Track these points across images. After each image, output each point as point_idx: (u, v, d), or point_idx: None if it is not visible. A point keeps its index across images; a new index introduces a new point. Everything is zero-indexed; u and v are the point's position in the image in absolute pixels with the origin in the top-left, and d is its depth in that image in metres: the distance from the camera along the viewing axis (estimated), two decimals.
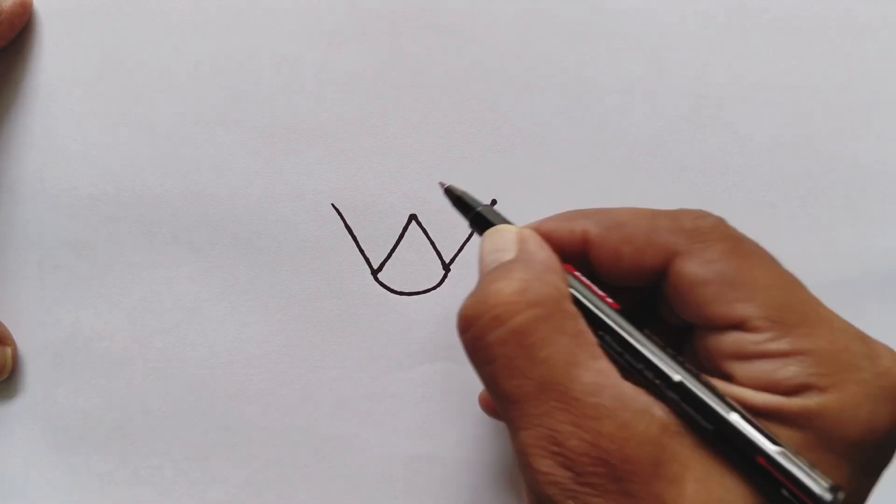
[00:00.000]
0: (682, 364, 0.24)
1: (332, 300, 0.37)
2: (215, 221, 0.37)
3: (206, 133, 0.37)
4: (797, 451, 0.23)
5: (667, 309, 0.27)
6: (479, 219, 0.30)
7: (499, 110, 0.36)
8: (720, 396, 0.23)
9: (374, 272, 0.37)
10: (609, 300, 0.26)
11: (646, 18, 0.36)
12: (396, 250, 0.37)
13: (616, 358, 0.25)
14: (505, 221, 0.29)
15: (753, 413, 0.23)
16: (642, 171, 0.36)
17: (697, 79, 0.36)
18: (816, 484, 0.22)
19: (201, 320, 0.37)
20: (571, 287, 0.26)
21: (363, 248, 0.37)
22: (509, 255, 0.27)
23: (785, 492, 0.22)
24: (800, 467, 0.22)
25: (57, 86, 0.37)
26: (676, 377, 0.24)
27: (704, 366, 0.26)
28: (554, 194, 0.36)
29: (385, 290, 0.37)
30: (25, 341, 0.38)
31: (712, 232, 0.26)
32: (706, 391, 0.23)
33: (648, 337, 0.25)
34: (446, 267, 0.37)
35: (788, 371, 0.23)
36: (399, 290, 0.37)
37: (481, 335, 0.24)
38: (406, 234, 0.37)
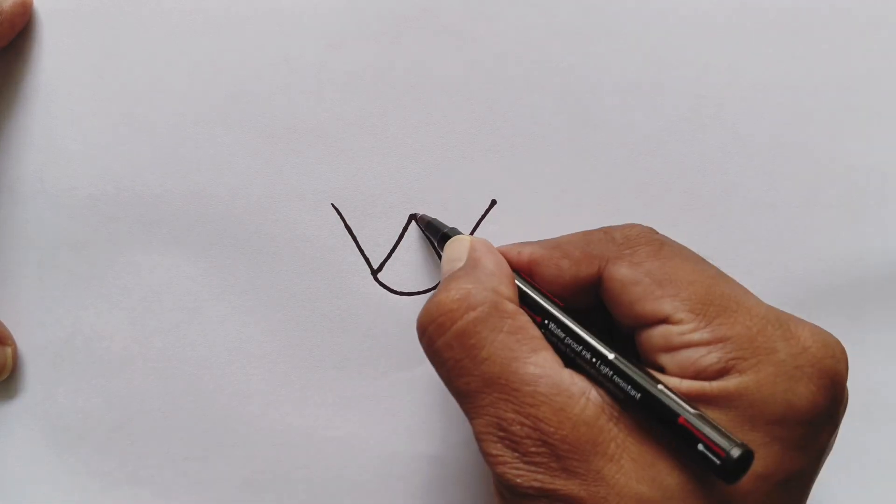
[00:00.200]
0: (619, 348, 0.27)
1: (332, 300, 0.37)
2: (215, 221, 0.37)
3: (206, 133, 0.37)
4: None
5: (615, 322, 0.29)
6: (444, 238, 0.33)
7: (499, 110, 0.36)
8: (648, 373, 0.26)
9: (374, 272, 0.37)
10: (554, 298, 0.29)
11: (646, 18, 0.36)
12: (396, 250, 0.37)
13: (559, 345, 0.27)
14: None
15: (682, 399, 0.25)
16: (642, 171, 0.36)
17: (697, 79, 0.36)
18: (726, 439, 0.24)
19: (201, 320, 0.37)
20: (519, 284, 0.29)
21: (363, 248, 0.37)
22: (460, 264, 0.30)
23: (700, 446, 0.24)
24: (713, 426, 0.24)
25: (57, 86, 0.37)
26: (611, 355, 0.26)
27: (643, 362, 0.28)
28: (554, 194, 0.36)
29: (385, 290, 0.37)
30: (25, 341, 0.38)
31: (639, 238, 0.28)
32: (636, 367, 0.26)
33: (588, 327, 0.28)
34: None
35: (711, 358, 0.25)
36: (399, 290, 0.37)
37: (431, 342, 0.28)
38: (406, 234, 0.37)
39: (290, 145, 0.37)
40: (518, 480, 0.25)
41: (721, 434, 0.24)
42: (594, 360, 0.27)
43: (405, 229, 0.37)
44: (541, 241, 0.31)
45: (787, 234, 0.37)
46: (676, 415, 0.24)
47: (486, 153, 0.37)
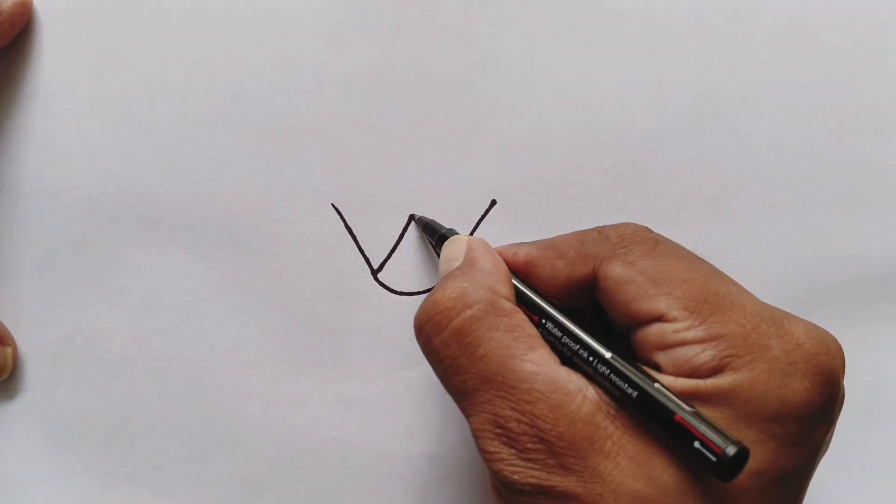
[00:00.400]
0: (615, 347, 0.27)
1: (332, 300, 0.37)
2: (215, 221, 0.37)
3: (206, 133, 0.37)
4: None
5: (611, 321, 0.29)
6: (442, 239, 0.33)
7: (499, 110, 0.36)
8: (644, 372, 0.26)
9: (374, 272, 0.37)
10: (551, 298, 0.29)
11: (646, 18, 0.36)
12: (396, 250, 0.37)
13: (555, 344, 0.28)
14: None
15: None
16: (642, 171, 0.36)
17: (697, 79, 0.36)
18: (722, 437, 0.24)
19: (201, 320, 0.37)
20: (516, 283, 0.29)
21: (363, 248, 0.37)
22: (457, 263, 0.30)
23: (697, 444, 0.24)
24: (709, 424, 0.24)
25: (57, 86, 0.37)
26: (608, 354, 0.26)
27: (638, 360, 0.28)
28: (554, 194, 0.36)
29: (385, 290, 0.37)
30: (25, 341, 0.38)
31: (633, 237, 0.28)
32: (633, 365, 0.26)
33: (584, 327, 0.28)
34: None
35: (705, 355, 0.25)
36: (399, 290, 0.37)
37: (428, 340, 0.28)
38: (406, 234, 0.37)
39: (290, 145, 0.37)
40: (515, 477, 0.25)
41: (717, 432, 0.24)
42: (591, 358, 0.27)
43: (405, 229, 0.37)
44: (536, 241, 0.31)
45: (787, 234, 0.37)
46: (673, 413, 0.24)
47: (486, 153, 0.37)
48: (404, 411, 0.37)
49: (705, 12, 0.36)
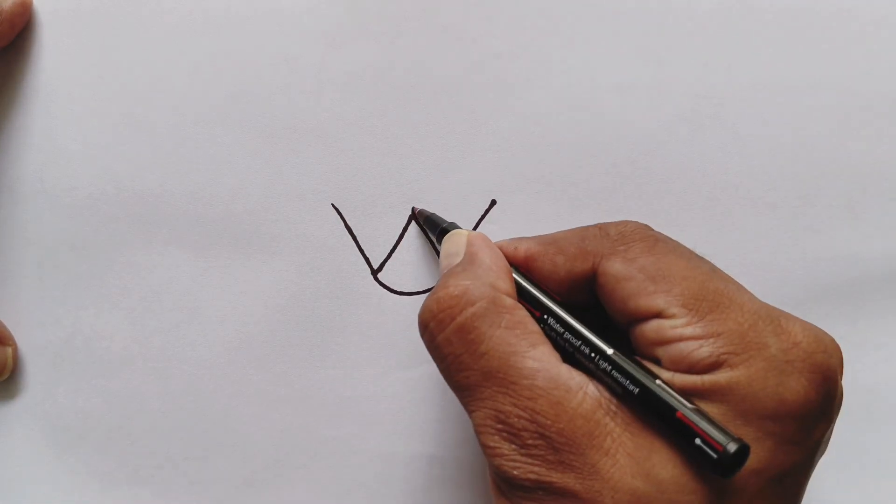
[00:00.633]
0: (616, 344, 0.27)
1: (332, 300, 0.37)
2: (215, 221, 0.37)
3: (206, 133, 0.37)
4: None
5: (611, 319, 0.29)
6: (443, 233, 0.33)
7: (499, 110, 0.36)
8: (646, 368, 0.26)
9: (374, 272, 0.37)
10: (552, 294, 0.29)
11: (646, 18, 0.36)
12: (396, 250, 0.37)
13: (557, 339, 0.28)
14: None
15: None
16: (642, 171, 0.36)
17: (697, 79, 0.36)
18: (723, 434, 0.24)
19: (201, 320, 0.37)
20: (517, 278, 0.29)
21: (363, 248, 0.37)
22: (458, 259, 0.30)
23: (698, 440, 0.24)
24: (710, 421, 0.24)
25: (57, 86, 0.37)
26: (609, 350, 0.27)
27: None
28: (554, 194, 0.36)
29: (385, 290, 0.37)
30: (25, 341, 0.38)
31: (633, 234, 0.29)
32: (634, 362, 0.26)
33: (586, 323, 0.28)
34: None
35: (703, 352, 0.25)
36: (399, 290, 0.37)
37: (432, 338, 0.28)
38: (406, 234, 0.37)
39: (290, 145, 0.37)
40: (515, 472, 0.26)
41: (718, 429, 0.24)
42: (593, 354, 0.27)
43: (405, 229, 0.37)
44: (537, 236, 0.31)
45: (787, 234, 0.36)
46: (674, 409, 0.25)
47: (486, 153, 0.37)
48: (404, 411, 0.37)
49: (705, 12, 0.36)
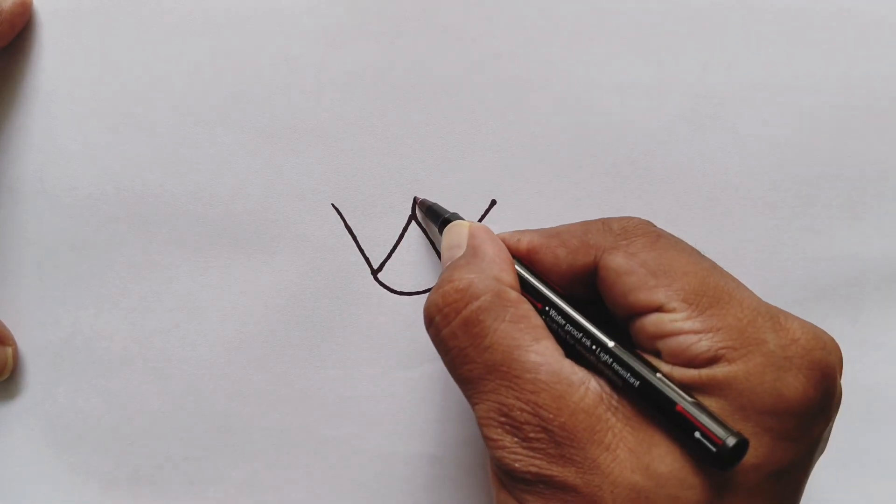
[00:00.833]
0: (617, 337, 0.27)
1: (332, 300, 0.37)
2: (215, 221, 0.37)
3: (206, 133, 0.37)
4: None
5: (612, 316, 0.29)
6: (445, 223, 0.33)
7: (499, 110, 0.36)
8: (646, 361, 0.26)
9: (374, 272, 0.37)
10: (554, 286, 0.29)
11: (646, 18, 0.36)
12: (396, 250, 0.37)
13: (559, 332, 0.28)
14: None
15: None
16: (642, 171, 0.36)
17: (697, 79, 0.36)
18: (722, 428, 0.24)
19: (201, 320, 0.37)
20: (519, 270, 0.30)
21: (363, 248, 0.37)
22: (460, 251, 0.31)
23: (697, 434, 0.24)
24: (710, 415, 0.24)
25: (57, 86, 0.37)
26: (611, 343, 0.27)
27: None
28: (554, 194, 0.36)
29: (385, 290, 0.37)
30: (25, 341, 0.38)
31: (636, 229, 0.29)
32: (635, 355, 0.26)
33: (588, 316, 0.28)
34: None
35: (701, 345, 0.25)
36: (399, 290, 0.37)
37: (437, 332, 0.29)
38: (406, 234, 0.37)
39: (290, 145, 0.37)
40: (516, 465, 0.26)
41: (717, 423, 0.24)
42: (594, 347, 0.27)
43: (405, 229, 0.37)
44: (539, 229, 0.31)
45: (787, 234, 0.37)
46: (674, 403, 0.25)
47: (486, 153, 0.37)
48: (404, 411, 0.37)
49: (705, 12, 0.36)
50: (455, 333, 0.28)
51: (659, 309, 0.26)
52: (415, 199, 0.37)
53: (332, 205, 0.37)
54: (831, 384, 0.26)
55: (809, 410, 0.25)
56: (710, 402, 0.25)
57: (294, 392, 0.37)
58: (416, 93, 0.36)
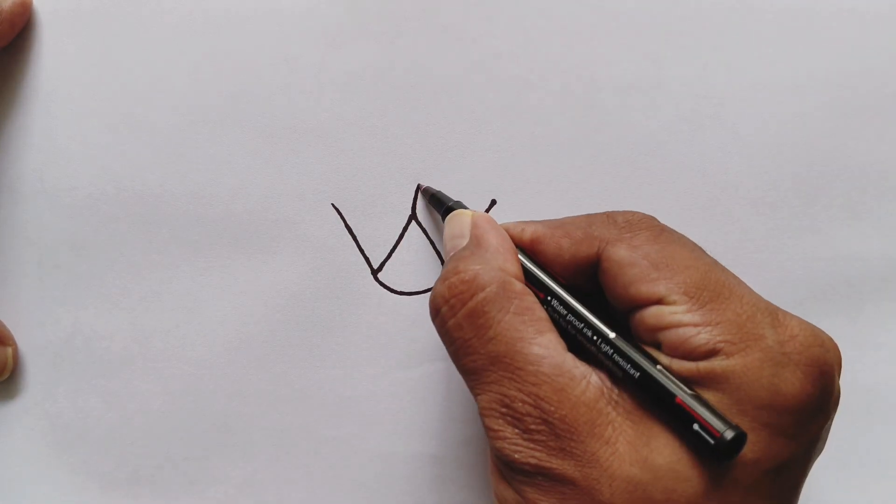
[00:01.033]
0: (618, 329, 0.27)
1: (332, 300, 0.37)
2: (215, 221, 0.37)
3: (206, 133, 0.37)
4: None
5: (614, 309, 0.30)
6: (448, 211, 0.34)
7: (499, 110, 0.36)
8: (647, 353, 0.27)
9: (374, 272, 0.37)
10: (557, 276, 0.30)
11: (646, 18, 0.36)
12: (396, 250, 0.37)
13: (561, 322, 0.28)
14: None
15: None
16: (642, 171, 0.36)
17: (697, 79, 0.36)
18: (721, 420, 0.24)
19: (201, 320, 0.37)
20: (522, 260, 0.30)
21: (363, 248, 0.37)
22: (464, 241, 0.31)
23: (696, 426, 0.24)
24: (709, 407, 0.25)
25: (57, 86, 0.37)
26: (612, 334, 0.27)
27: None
28: (554, 194, 0.37)
29: (385, 290, 0.37)
30: (25, 341, 0.38)
31: (640, 223, 0.29)
32: (636, 347, 0.27)
33: (590, 307, 0.28)
34: None
35: (700, 338, 0.26)
36: (399, 290, 0.37)
37: (443, 323, 0.29)
38: (406, 234, 0.37)
39: (290, 145, 0.37)
40: (517, 456, 0.26)
41: (716, 415, 0.24)
42: (595, 338, 0.27)
43: (405, 229, 0.37)
44: (544, 220, 0.31)
45: (787, 234, 0.37)
46: (673, 395, 0.25)
47: (486, 153, 0.37)
48: (404, 411, 0.37)
49: (705, 12, 0.36)
50: (460, 325, 0.28)
51: (660, 301, 0.27)
52: (418, 186, 0.37)
53: (332, 205, 0.37)
54: (829, 382, 0.26)
55: (807, 407, 0.26)
56: (708, 396, 0.25)
57: (294, 392, 0.37)
58: (416, 93, 0.36)
